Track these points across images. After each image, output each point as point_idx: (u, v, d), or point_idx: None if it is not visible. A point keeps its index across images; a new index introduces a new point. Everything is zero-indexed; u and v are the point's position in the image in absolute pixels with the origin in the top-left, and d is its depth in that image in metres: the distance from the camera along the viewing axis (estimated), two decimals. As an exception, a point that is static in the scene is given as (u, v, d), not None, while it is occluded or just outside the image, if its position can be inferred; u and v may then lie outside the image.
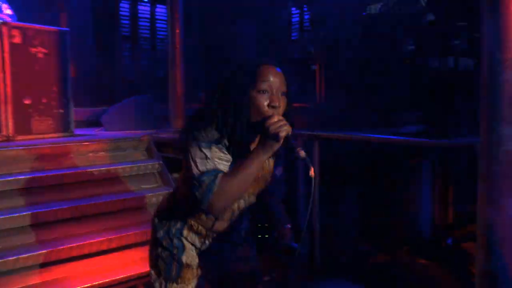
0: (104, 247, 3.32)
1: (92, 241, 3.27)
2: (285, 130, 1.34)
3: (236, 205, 1.61)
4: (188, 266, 1.64)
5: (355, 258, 3.77)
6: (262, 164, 1.40)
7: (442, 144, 3.39)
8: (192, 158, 1.38)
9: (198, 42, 7.87)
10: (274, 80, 1.41)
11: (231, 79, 1.44)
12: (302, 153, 1.34)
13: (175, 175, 4.01)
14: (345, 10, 5.69)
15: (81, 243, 3.22)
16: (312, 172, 1.34)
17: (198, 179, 1.36)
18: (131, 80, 7.56)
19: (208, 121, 1.42)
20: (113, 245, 3.38)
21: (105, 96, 6.95)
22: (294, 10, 8.16)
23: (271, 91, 1.41)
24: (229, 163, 1.43)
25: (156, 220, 1.70)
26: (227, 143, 1.44)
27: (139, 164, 4.02)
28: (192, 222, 1.61)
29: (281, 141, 1.34)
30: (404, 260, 3.65)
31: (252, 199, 1.66)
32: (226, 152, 1.43)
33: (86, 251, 3.23)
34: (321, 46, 5.97)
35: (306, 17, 7.96)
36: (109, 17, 7.50)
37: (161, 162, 4.14)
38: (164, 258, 1.65)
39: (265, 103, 1.40)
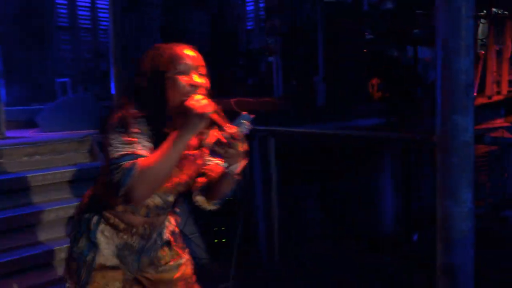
0: (41, 260, 3.23)
1: (27, 254, 3.16)
2: (209, 107, 1.41)
3: (151, 201, 1.62)
4: (103, 267, 1.63)
5: (315, 257, 3.85)
6: (185, 146, 1.42)
7: (402, 137, 3.51)
8: (111, 144, 1.40)
9: (145, 33, 7.74)
10: (192, 60, 1.51)
11: (150, 65, 1.50)
12: (232, 129, 1.39)
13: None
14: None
15: (11, 259, 3.11)
16: (244, 147, 1.39)
17: (116, 163, 1.36)
18: (71, 75, 7.35)
19: (130, 109, 1.47)
20: (40, 260, 3.28)
21: (41, 93, 6.73)
22: (248, -2, 8.20)
23: (190, 72, 1.50)
24: (152, 149, 1.45)
25: (75, 219, 1.69)
26: (150, 131, 1.47)
27: (81, 168, 3.92)
28: (108, 215, 1.62)
29: (206, 119, 1.40)
30: (366, 258, 3.76)
31: (171, 198, 1.66)
32: (148, 138, 1.46)
33: (17, 267, 3.12)
34: (277, 36, 6.02)
35: (262, 5, 8.02)
36: (43, 6, 7.25)
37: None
38: (75, 259, 1.63)
39: (186, 84, 1.48)
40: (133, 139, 1.41)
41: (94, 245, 1.62)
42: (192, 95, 1.46)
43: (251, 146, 4.20)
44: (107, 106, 5.41)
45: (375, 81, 5.07)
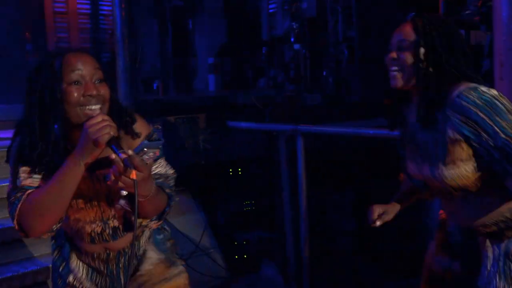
0: (28, 281, 3.24)
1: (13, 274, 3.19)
2: (106, 133, 1.40)
3: (90, 228, 1.68)
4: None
5: (347, 278, 3.83)
6: (80, 171, 1.45)
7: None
8: (10, 177, 1.54)
9: (155, 19, 7.81)
10: (84, 67, 1.49)
11: (36, 77, 1.50)
12: (124, 155, 1.36)
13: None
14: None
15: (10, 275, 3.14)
16: (133, 175, 1.36)
17: (7, 198, 1.52)
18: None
19: (24, 131, 1.52)
20: (40, 277, 3.30)
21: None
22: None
23: (84, 80, 1.49)
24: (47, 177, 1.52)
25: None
26: (44, 156, 1.50)
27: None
28: (70, 239, 1.79)
29: (102, 145, 1.40)
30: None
31: (113, 223, 1.70)
32: (38, 166, 1.51)
33: (4, 286, 3.16)
34: (304, 20, 6.02)
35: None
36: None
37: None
38: (53, 271, 1.83)
39: (79, 94, 1.47)
40: (23, 169, 1.52)
41: (66, 264, 1.78)
42: (94, 116, 1.44)
43: (276, 148, 4.20)
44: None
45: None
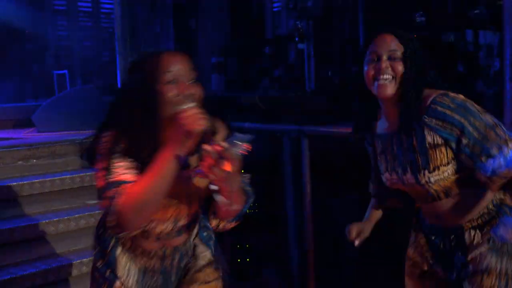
0: (39, 281, 3.28)
1: (23, 274, 3.22)
2: (200, 124, 1.47)
3: (160, 228, 1.74)
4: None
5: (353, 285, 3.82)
6: (176, 163, 1.49)
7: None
8: (99, 172, 1.54)
9: (158, 18, 7.82)
10: (179, 67, 1.57)
11: (132, 77, 1.61)
12: (222, 147, 1.42)
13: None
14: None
15: (9, 278, 3.17)
16: (227, 167, 1.42)
17: (101, 192, 1.52)
18: (69, 66, 7.46)
19: (115, 127, 1.59)
20: (51, 277, 3.34)
21: (37, 88, 6.84)
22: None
23: (179, 80, 1.56)
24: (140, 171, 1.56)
25: (95, 236, 1.86)
26: (136, 152, 1.56)
27: (83, 174, 3.97)
28: (124, 240, 1.77)
29: (195, 136, 1.47)
30: None
31: (183, 222, 1.77)
32: (132, 160, 1.56)
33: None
34: (309, 19, 6.01)
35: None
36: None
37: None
38: (97, 280, 1.80)
39: (174, 94, 1.54)
40: (118, 164, 1.53)
41: (112, 270, 1.77)
42: (185, 108, 1.51)
43: (280, 149, 4.20)
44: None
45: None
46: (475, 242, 1.81)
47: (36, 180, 3.77)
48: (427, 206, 1.90)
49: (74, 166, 4.12)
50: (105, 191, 1.50)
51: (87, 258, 3.42)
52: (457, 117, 1.68)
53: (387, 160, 1.88)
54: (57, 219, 3.62)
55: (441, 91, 1.74)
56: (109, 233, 1.73)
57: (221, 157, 1.43)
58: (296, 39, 6.18)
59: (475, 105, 1.73)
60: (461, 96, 1.73)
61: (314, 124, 3.85)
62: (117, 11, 5.08)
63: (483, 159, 1.68)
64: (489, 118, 1.71)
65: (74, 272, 3.42)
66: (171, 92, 1.53)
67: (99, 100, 5.41)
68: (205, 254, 1.89)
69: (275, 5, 7.84)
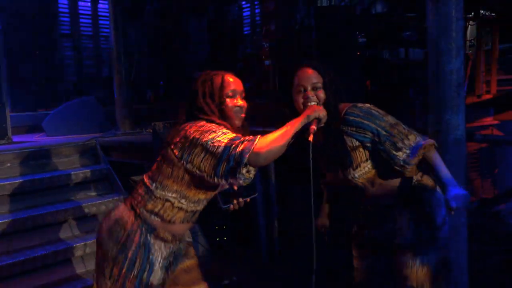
0: (49, 261, 3.22)
1: (36, 255, 3.16)
2: (317, 111, 1.74)
3: (200, 208, 1.81)
4: (153, 286, 1.78)
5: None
6: (303, 123, 1.69)
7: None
8: (211, 140, 1.61)
9: (146, 39, 7.77)
10: (236, 86, 1.82)
11: (204, 90, 1.81)
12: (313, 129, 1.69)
13: (126, 180, 3.95)
14: (295, 3, 5.78)
15: (24, 259, 3.11)
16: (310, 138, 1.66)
17: (236, 140, 1.58)
18: (74, 81, 7.34)
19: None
20: (60, 257, 3.28)
21: (46, 99, 6.73)
22: (244, 4, 8.20)
23: (236, 94, 1.81)
24: None
25: (122, 236, 1.77)
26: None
27: (85, 170, 3.92)
28: (159, 229, 1.77)
29: (318, 118, 1.73)
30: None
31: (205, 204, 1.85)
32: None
33: (29, 267, 3.13)
34: (273, 41, 6.03)
35: (257, 11, 8.02)
36: (46, 15, 7.25)
37: (109, 167, 4.06)
38: (130, 279, 1.74)
39: (234, 104, 1.79)
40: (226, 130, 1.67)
41: (150, 265, 1.76)
42: (312, 104, 1.80)
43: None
44: (110, 110, 5.41)
45: (368, 83, 5.08)
46: (401, 214, 1.90)
47: (45, 176, 3.70)
48: (362, 193, 1.98)
49: (78, 164, 4.06)
50: (233, 141, 1.58)
51: (91, 241, 3.37)
52: (366, 122, 1.82)
53: (325, 163, 1.97)
54: (64, 208, 3.56)
55: (351, 104, 1.86)
56: (141, 227, 1.75)
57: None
58: (263, 57, 6.22)
59: (379, 110, 1.86)
60: (367, 105, 1.87)
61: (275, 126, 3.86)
62: (113, 35, 5.00)
63: (394, 152, 1.80)
64: (390, 119, 1.84)
65: (78, 253, 3.36)
66: (231, 103, 1.79)
67: (98, 109, 5.35)
68: (188, 235, 1.94)
69: (245, 28, 7.88)
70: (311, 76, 1.85)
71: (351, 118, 1.82)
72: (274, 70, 5.93)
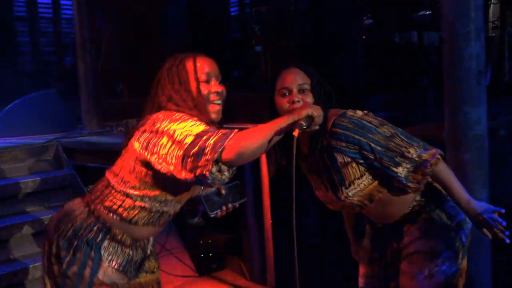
0: (4, 283, 3.20)
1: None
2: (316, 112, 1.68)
3: (173, 210, 1.83)
4: (101, 283, 1.75)
5: (314, 270, 3.87)
6: (289, 123, 1.64)
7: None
8: (180, 130, 1.59)
9: (115, 25, 7.72)
10: (211, 69, 1.79)
11: (173, 76, 1.77)
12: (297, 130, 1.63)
13: (91, 186, 3.94)
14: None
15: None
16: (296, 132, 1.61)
17: (202, 134, 1.55)
18: (30, 71, 7.30)
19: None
20: (17, 279, 3.26)
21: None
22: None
23: (211, 80, 1.78)
24: None
25: (67, 235, 1.76)
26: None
27: (45, 177, 3.91)
28: (116, 231, 1.77)
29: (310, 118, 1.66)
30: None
31: (178, 207, 1.85)
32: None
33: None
34: (265, 22, 6.04)
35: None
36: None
37: (73, 172, 4.05)
38: (69, 277, 1.73)
39: (208, 92, 1.76)
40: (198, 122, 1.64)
41: (94, 262, 1.74)
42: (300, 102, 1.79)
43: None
44: (74, 106, 5.38)
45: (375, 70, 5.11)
46: (408, 232, 1.92)
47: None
48: (361, 213, 2.00)
49: (36, 170, 4.05)
50: (205, 133, 1.56)
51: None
52: (356, 137, 1.77)
53: (315, 180, 1.95)
54: (20, 222, 3.54)
55: (340, 111, 1.83)
56: (94, 226, 1.75)
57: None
58: (253, 42, 6.22)
59: (372, 119, 1.82)
60: (358, 113, 1.83)
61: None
62: (76, 16, 4.99)
63: (393, 168, 1.77)
64: (386, 130, 1.79)
65: (39, 273, 3.33)
66: (206, 90, 1.75)
67: (60, 104, 5.31)
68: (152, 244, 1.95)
69: (232, 9, 7.86)
70: (296, 77, 1.84)
71: (340, 131, 1.78)
72: (266, 58, 5.95)
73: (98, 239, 1.75)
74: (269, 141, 1.59)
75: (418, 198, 1.91)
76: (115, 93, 7.02)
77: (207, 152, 1.51)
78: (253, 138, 1.55)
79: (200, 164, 1.51)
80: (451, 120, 2.62)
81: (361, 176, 1.82)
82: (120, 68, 7.54)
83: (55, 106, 5.27)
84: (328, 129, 1.80)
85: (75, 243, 1.75)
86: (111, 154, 4.13)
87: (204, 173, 1.50)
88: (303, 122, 1.63)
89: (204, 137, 1.54)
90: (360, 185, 1.82)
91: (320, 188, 1.94)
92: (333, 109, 1.85)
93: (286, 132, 1.65)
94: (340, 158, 1.80)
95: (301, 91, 1.83)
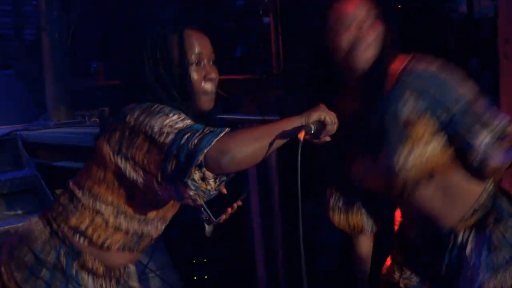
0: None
1: None
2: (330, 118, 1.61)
3: (155, 232, 1.83)
4: None
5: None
6: (295, 125, 1.59)
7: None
8: (158, 126, 1.55)
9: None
10: (204, 48, 1.74)
11: (155, 53, 1.72)
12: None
13: (58, 191, 3.96)
14: None
15: None
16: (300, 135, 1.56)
17: (185, 131, 1.52)
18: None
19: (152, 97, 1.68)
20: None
21: None
22: None
23: (203, 62, 1.74)
24: None
25: (21, 260, 1.73)
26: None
27: (3, 180, 3.97)
28: (87, 257, 1.73)
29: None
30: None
31: (161, 227, 1.87)
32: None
33: None
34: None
35: None
36: None
37: (36, 173, 4.08)
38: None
39: (201, 78, 1.72)
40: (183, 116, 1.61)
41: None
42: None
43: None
44: (38, 90, 5.41)
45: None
46: (468, 249, 1.78)
47: None
48: (405, 210, 1.92)
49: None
50: (190, 129, 1.53)
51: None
52: (431, 91, 1.71)
53: (350, 151, 1.87)
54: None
55: (410, 56, 1.77)
56: (58, 250, 1.72)
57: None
58: (260, 12, 6.22)
59: (453, 73, 1.75)
60: (436, 63, 1.75)
61: (279, 114, 3.87)
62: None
63: (470, 139, 1.70)
64: (470, 87, 1.74)
65: None
66: (196, 75, 1.72)
67: (20, 88, 5.35)
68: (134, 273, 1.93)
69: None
70: (360, 9, 1.77)
71: (411, 80, 1.71)
72: (277, 32, 5.95)
73: (64, 267, 1.70)
74: (270, 145, 1.55)
75: (491, 188, 1.80)
76: (88, 75, 7.03)
77: (189, 154, 1.47)
78: (248, 140, 1.53)
79: (182, 170, 1.47)
80: (509, 110, 2.62)
81: (430, 140, 1.72)
82: (95, 43, 7.56)
83: (13, 90, 5.31)
84: (395, 76, 1.73)
85: (40, 274, 1.70)
86: (83, 151, 4.17)
87: (185, 181, 1.46)
88: (312, 125, 1.61)
89: (187, 135, 1.51)
90: (424, 153, 1.72)
91: (364, 158, 1.83)
92: (400, 54, 1.79)
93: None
94: (407, 111, 1.71)
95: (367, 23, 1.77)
